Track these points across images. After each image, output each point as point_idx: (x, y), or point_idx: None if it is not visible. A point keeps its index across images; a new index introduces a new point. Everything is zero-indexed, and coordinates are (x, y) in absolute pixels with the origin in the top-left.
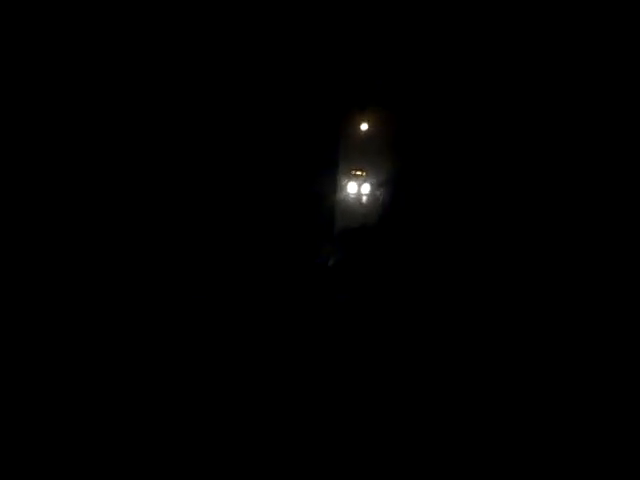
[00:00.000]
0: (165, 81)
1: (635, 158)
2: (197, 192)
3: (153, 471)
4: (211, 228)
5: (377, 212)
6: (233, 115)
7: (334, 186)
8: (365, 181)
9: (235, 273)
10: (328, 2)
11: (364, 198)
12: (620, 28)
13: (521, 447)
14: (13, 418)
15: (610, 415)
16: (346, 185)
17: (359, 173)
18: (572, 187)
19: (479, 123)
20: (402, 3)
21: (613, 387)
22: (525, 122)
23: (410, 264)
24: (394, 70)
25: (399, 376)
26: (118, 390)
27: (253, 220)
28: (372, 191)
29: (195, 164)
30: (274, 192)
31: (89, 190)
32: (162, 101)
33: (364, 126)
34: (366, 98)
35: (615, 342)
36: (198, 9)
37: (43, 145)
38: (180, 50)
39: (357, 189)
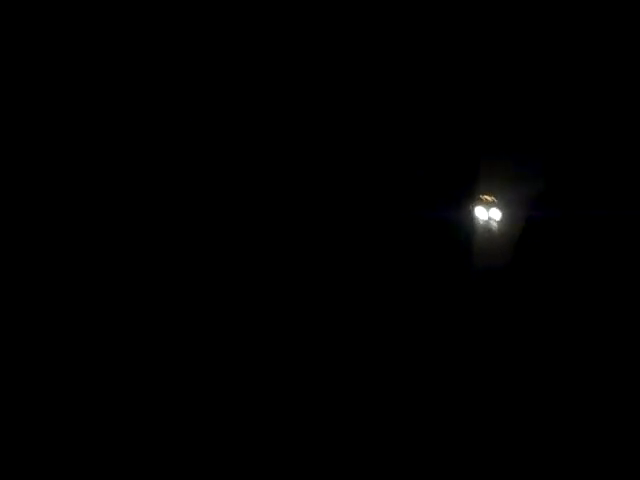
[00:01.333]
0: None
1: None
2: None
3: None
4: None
5: (506, 238)
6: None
7: (465, 211)
8: (495, 206)
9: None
10: None
11: (493, 224)
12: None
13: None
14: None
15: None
16: (474, 210)
17: (488, 198)
18: None
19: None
20: None
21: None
22: None
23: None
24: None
25: None
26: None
27: (384, 243)
28: (502, 217)
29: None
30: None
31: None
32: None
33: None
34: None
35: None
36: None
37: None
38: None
39: (486, 215)
